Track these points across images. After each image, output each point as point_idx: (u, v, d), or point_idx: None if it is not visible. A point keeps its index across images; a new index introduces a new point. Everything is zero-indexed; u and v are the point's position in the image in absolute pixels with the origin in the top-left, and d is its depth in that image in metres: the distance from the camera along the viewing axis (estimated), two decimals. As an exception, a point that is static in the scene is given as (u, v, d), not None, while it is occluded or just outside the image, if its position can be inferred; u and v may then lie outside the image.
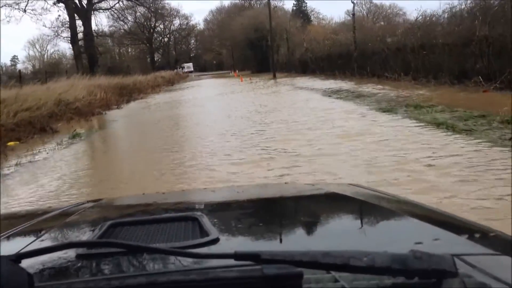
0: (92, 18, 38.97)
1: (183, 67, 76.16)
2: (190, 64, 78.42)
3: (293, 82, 28.95)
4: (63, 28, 36.86)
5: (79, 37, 36.13)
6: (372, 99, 14.03)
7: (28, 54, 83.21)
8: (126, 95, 30.38)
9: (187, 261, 0.74)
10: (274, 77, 35.99)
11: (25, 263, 0.67)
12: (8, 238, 1.11)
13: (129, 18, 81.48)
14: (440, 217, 1.18)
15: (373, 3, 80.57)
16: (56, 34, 37.28)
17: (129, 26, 79.59)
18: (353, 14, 25.56)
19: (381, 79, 21.39)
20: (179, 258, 0.76)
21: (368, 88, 18.39)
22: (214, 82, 42.15)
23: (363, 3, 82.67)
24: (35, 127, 14.41)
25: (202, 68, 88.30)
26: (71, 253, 0.84)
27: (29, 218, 1.34)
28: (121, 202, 1.93)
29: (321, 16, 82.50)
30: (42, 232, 1.13)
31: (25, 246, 0.99)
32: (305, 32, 51.95)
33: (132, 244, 0.72)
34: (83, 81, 26.60)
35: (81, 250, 0.84)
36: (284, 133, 9.11)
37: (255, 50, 55.97)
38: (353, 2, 25.55)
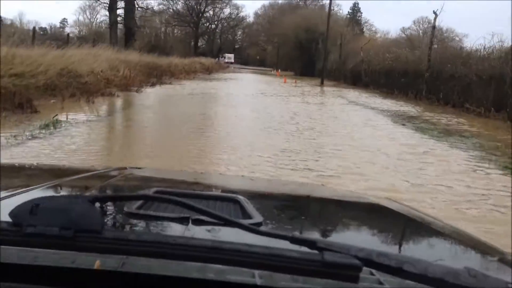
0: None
1: (224, 57, 72.45)
2: (232, 55, 74.73)
3: (344, 94, 24.61)
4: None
5: (118, 6, 32.48)
6: (476, 143, 9.65)
7: (78, 19, 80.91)
8: (155, 76, 26.68)
9: (237, 236, 0.68)
10: (322, 84, 31.66)
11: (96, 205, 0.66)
12: (60, 185, 1.13)
13: (179, -2, 78.87)
14: (486, 248, 1.08)
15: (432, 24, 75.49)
16: (95, -2, 33.70)
17: (177, 8, 76.80)
18: (434, 27, 21.02)
19: (459, 111, 16.93)
20: (226, 232, 0.73)
21: (450, 121, 13.98)
22: (254, 78, 38.04)
23: (421, 22, 77.77)
24: (13, 101, 10.59)
25: (244, 61, 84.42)
26: (120, 210, 0.84)
27: (70, 174, 1.34)
28: (161, 173, 1.86)
29: (374, 29, 77.49)
30: (89, 188, 1.11)
31: (91, 192, 1.03)
32: (363, 41, 47.52)
33: (203, 208, 0.69)
34: (108, 53, 22.89)
35: (131, 209, 0.83)
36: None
37: (303, 51, 51.68)
38: (435, 13, 21.02)
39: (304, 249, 0.62)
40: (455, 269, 0.60)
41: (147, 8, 36.65)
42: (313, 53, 49.93)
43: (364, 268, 0.60)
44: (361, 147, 8.14)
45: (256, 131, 9.52)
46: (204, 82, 27.02)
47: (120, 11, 34.10)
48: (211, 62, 52.10)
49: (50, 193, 1.05)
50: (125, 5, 33.73)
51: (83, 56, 18.97)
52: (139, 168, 1.90)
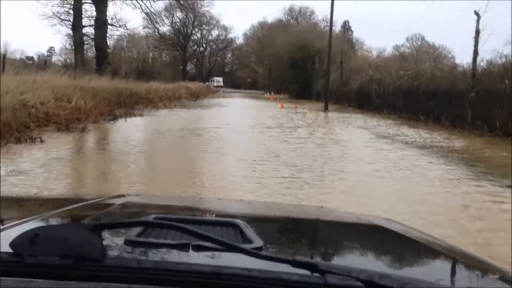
0: (111, 5, 30.13)
1: (213, 80, 67.53)
2: (220, 79, 69.75)
3: (359, 122, 19.36)
4: (65, 8, 28.05)
5: (84, 24, 27.29)
6: None
7: (64, 47, 75.85)
8: (126, 105, 21.39)
9: (238, 261, 0.67)
10: (326, 109, 26.44)
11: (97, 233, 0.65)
12: (59, 215, 1.11)
13: (165, 21, 74.37)
14: (487, 267, 1.07)
15: (425, 41, 71.35)
16: (55, 15, 28.47)
17: (164, 30, 72.17)
18: (478, 32, 15.90)
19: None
20: (227, 257, 0.72)
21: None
22: (246, 104, 32.72)
23: (414, 39, 73.50)
24: None
25: (235, 84, 79.55)
26: (120, 237, 0.81)
27: (66, 204, 1.27)
28: (158, 200, 1.83)
29: (365, 48, 72.92)
30: (86, 217, 1.09)
31: (90, 220, 0.98)
32: (360, 60, 42.54)
33: (204, 233, 0.69)
34: (60, 79, 17.58)
35: (131, 237, 0.81)
36: None
37: (297, 71, 46.63)
38: (477, 14, 15.94)
39: (306, 272, 0.61)
40: None
41: (119, 26, 31.45)
42: (309, 73, 44.89)
43: None
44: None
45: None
46: (186, 112, 21.68)
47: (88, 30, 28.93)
48: (199, 87, 46.90)
49: (49, 222, 1.02)
50: (95, 23, 28.55)
51: (16, 84, 13.67)
52: (137, 195, 2.00)
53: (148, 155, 8.40)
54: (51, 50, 77.60)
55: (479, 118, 15.34)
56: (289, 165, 7.85)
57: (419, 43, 72.42)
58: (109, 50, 30.55)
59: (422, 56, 59.29)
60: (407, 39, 73.68)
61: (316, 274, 0.60)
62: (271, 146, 10.51)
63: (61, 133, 11.08)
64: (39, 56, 67.94)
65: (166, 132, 12.61)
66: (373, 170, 7.77)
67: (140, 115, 18.05)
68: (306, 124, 16.99)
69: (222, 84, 67.24)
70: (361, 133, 14.69)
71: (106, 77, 24.40)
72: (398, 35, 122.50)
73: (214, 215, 1.35)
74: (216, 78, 68.97)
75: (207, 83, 63.07)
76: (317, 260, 0.82)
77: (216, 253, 0.76)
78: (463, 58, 70.57)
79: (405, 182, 6.90)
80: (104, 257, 0.59)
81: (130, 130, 13.25)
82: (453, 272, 1.00)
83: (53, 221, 1.05)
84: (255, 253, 0.67)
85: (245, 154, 9.00)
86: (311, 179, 6.69)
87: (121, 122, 15.30)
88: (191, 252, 0.78)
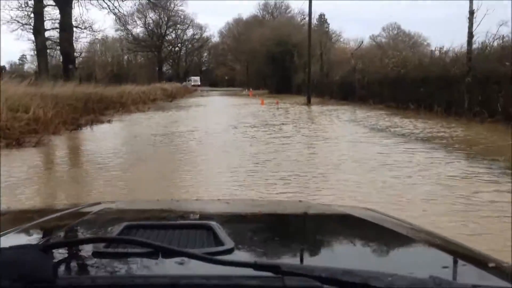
0: (76, 7, 28.14)
1: (190, 80, 65.72)
2: (198, 78, 67.94)
3: (346, 114, 17.94)
4: (26, 11, 25.98)
5: (48, 27, 25.28)
6: None
7: (33, 52, 73.02)
8: (95, 111, 19.62)
9: (205, 267, 0.68)
10: (309, 102, 24.93)
11: (49, 254, 0.65)
12: (26, 230, 1.08)
13: (138, 22, 72.15)
14: (458, 248, 1.09)
15: (401, 30, 70.60)
16: (14, 20, 26.35)
17: (137, 32, 69.99)
18: (472, 13, 14.56)
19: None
20: (196, 264, 0.71)
21: None
22: (225, 102, 31.06)
23: (390, 29, 72.65)
24: None
25: (213, 83, 77.69)
26: (87, 250, 0.80)
27: (43, 215, 1.27)
28: (135, 205, 1.85)
29: (342, 40, 71.64)
30: (60, 228, 1.08)
31: (45, 239, 0.96)
32: (338, 53, 41.26)
33: (158, 244, 0.69)
34: (16, 87, 15.73)
35: (99, 248, 0.80)
36: None
37: (276, 66, 45.13)
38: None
39: (268, 275, 0.60)
40: (420, 279, 0.59)
41: (85, 28, 29.47)
42: (287, 67, 43.45)
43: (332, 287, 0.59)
44: None
45: None
46: (160, 114, 19.97)
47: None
48: (176, 87, 45.08)
49: (7, 242, 0.92)
50: (59, 26, 26.55)
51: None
52: (113, 202, 1.85)
53: (105, 174, 6.76)
54: (22, 58, 74.40)
55: (478, 104, 14.05)
56: (284, 177, 6.30)
57: (395, 32, 71.64)
58: (76, 54, 28.53)
59: (399, 45, 58.35)
60: (383, 29, 72.68)
61: (277, 276, 0.59)
62: (257, 150, 8.96)
63: (9, 150, 9.33)
64: (11, 65, 65.09)
65: (133, 141, 10.96)
66: (394, 177, 6.29)
67: (109, 121, 16.30)
68: (291, 121, 15.47)
69: (199, 83, 65.47)
70: (353, 127, 13.23)
71: (74, 83, 22.48)
72: (374, 25, 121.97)
73: (190, 217, 1.32)
74: (193, 78, 67.14)
75: (184, 83, 61.26)
76: (283, 260, 0.84)
77: (185, 259, 0.74)
78: (437, 44, 70.13)
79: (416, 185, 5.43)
80: (56, 277, 0.57)
81: (93, 140, 11.54)
82: (423, 260, 0.95)
83: (14, 240, 0.99)
84: (217, 260, 0.66)
85: (226, 164, 7.43)
86: (318, 197, 5.14)
87: (85, 131, 13.57)
88: (160, 259, 0.75)
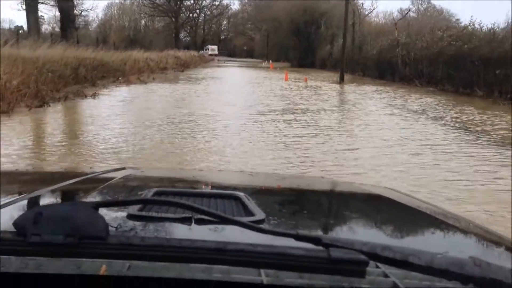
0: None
1: (207, 49, 61.33)
2: (215, 47, 63.38)
3: (397, 100, 13.78)
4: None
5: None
6: None
7: (54, 15, 69.08)
8: (84, 81, 15.91)
9: (242, 235, 0.66)
10: (342, 80, 20.69)
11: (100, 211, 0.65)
12: (59, 190, 1.09)
13: (154, -15, 67.71)
14: (487, 234, 1.04)
15: (431, 4, 64.87)
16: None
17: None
18: None
19: None
20: (231, 231, 0.70)
21: None
22: (244, 75, 26.84)
23: (420, 2, 66.80)
24: None
25: (231, 53, 73.14)
26: (121, 213, 0.79)
27: (66, 178, 1.20)
28: (160, 173, 1.79)
29: (365, 13, 66.01)
30: (90, 191, 1.07)
31: (88, 198, 0.98)
32: (366, 25, 36.36)
33: (205, 209, 0.67)
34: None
35: (133, 211, 0.80)
36: None
37: (299, 37, 40.57)
38: None
39: (309, 245, 0.60)
40: (460, 259, 0.58)
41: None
42: (312, 39, 38.88)
43: (370, 262, 0.58)
44: None
45: None
46: (164, 88, 15.96)
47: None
48: (190, 56, 40.84)
49: (51, 200, 1.01)
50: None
51: None
52: (138, 168, 1.89)
53: None
54: (41, 18, 70.74)
55: None
56: None
57: (424, 5, 65.87)
58: (76, 13, 24.52)
59: (425, 20, 53.12)
60: (412, 3, 66.84)
61: (320, 248, 0.58)
62: (295, 161, 5.06)
63: None
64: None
65: (100, 135, 7.09)
66: None
67: (94, 95, 12.39)
68: (328, 107, 11.40)
69: (217, 53, 61.06)
70: (427, 124, 9.10)
71: (65, 45, 18.57)
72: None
73: (216, 187, 1.29)
74: (210, 47, 62.65)
75: (201, 52, 56.99)
76: (320, 233, 0.82)
77: (219, 227, 0.74)
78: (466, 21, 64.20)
79: None
80: (108, 235, 0.58)
81: (39, 129, 7.69)
82: (454, 241, 0.95)
83: (56, 198, 1.03)
84: (257, 228, 0.64)
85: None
86: None
87: (50, 110, 9.72)
88: (193, 225, 0.76)
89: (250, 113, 9.84)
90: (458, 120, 9.73)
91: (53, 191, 1.06)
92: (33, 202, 0.90)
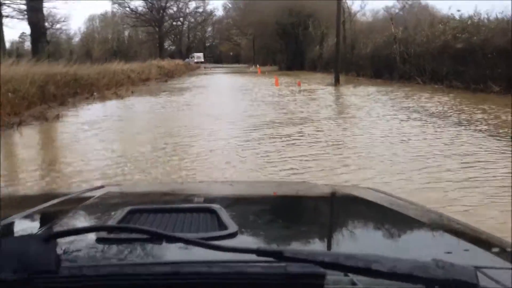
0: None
1: (192, 57, 59.60)
2: (201, 54, 61.65)
3: (406, 102, 12.07)
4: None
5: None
6: None
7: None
8: (54, 99, 14.14)
9: (207, 253, 0.66)
10: (338, 82, 18.94)
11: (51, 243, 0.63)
12: (29, 217, 1.05)
13: (136, -6, 66.07)
14: (463, 229, 1.05)
15: (417, 1, 63.70)
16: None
17: (135, 6, 63.95)
18: None
19: None
20: (199, 249, 0.69)
21: None
22: (231, 82, 24.99)
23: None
24: None
25: (217, 59, 71.43)
26: (91, 237, 0.78)
27: (46, 200, 1.20)
28: (138, 188, 1.78)
29: (355, 10, 64.57)
30: (63, 214, 1.04)
31: (47, 227, 0.94)
32: (356, 25, 34.69)
33: (158, 231, 0.67)
34: None
35: (102, 234, 0.78)
36: None
37: (287, 39, 38.89)
38: None
39: (271, 261, 0.60)
40: (424, 262, 0.58)
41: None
42: (300, 40, 37.20)
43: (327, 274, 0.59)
44: None
45: None
46: (144, 102, 14.09)
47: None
48: (174, 65, 38.95)
49: (7, 230, 0.95)
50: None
51: None
52: (117, 185, 1.79)
53: None
54: (23, 36, 68.19)
55: None
56: None
57: (409, 2, 64.67)
58: (47, 25, 22.67)
59: (408, 17, 51.81)
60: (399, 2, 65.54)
61: (279, 264, 0.58)
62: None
63: None
64: (12, 43, 58.74)
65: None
66: None
67: (57, 117, 10.51)
68: (332, 116, 9.64)
69: (202, 60, 59.29)
70: (453, 129, 7.36)
71: (33, 61, 16.71)
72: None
73: (194, 200, 1.27)
74: (196, 54, 60.88)
75: (186, 60, 55.21)
76: (285, 245, 0.82)
77: (181, 247, 0.73)
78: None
79: None
80: (59, 267, 0.56)
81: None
82: (432, 243, 0.92)
83: (13, 228, 0.97)
84: (218, 246, 0.63)
85: None
86: None
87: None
88: (164, 245, 0.74)
89: (241, 129, 8.07)
90: (491, 123, 8.02)
91: (19, 219, 1.01)
92: None
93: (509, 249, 0.88)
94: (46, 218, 1.10)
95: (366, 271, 0.57)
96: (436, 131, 7.31)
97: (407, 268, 0.57)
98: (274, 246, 0.62)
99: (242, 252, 0.61)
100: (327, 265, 0.57)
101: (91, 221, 1.03)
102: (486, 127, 7.48)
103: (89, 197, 1.25)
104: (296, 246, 0.84)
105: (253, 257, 0.60)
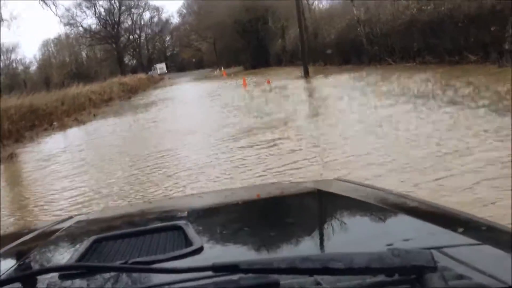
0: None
1: (155, 68, 58.15)
2: (163, 65, 60.35)
3: (390, 86, 11.35)
4: None
5: None
6: None
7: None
8: (11, 135, 12.90)
9: (169, 275, 0.68)
10: (307, 74, 18.13)
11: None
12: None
13: (87, 13, 64.06)
14: (427, 209, 1.06)
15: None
16: None
17: (88, 24, 61.98)
18: None
19: None
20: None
21: None
22: (198, 90, 23.91)
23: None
24: None
25: (180, 67, 69.97)
26: (53, 273, 0.78)
27: (14, 238, 1.20)
28: (107, 215, 1.77)
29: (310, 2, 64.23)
30: (26, 254, 1.04)
31: (9, 269, 0.94)
32: (311, 13, 34.15)
33: (107, 265, 0.69)
34: None
35: (74, 263, 0.80)
36: None
37: (247, 37, 38.03)
38: None
39: (226, 275, 0.60)
40: (379, 253, 0.58)
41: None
42: (261, 36, 36.39)
43: (288, 279, 0.60)
44: None
45: None
46: (107, 125, 12.97)
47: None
48: (137, 79, 37.62)
49: None
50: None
51: None
52: (86, 213, 1.84)
53: None
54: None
55: None
56: None
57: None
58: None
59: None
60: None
61: (233, 277, 0.59)
62: None
63: None
64: None
65: None
66: None
67: (11, 157, 9.36)
68: (313, 115, 8.80)
69: (165, 70, 57.95)
70: (449, 111, 6.60)
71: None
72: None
73: (162, 218, 1.26)
74: (158, 65, 59.47)
75: (149, 73, 53.78)
76: (244, 256, 0.81)
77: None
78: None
79: None
80: None
81: None
82: (392, 230, 0.91)
83: None
84: (176, 269, 0.64)
85: None
86: None
87: None
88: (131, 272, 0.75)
89: (214, 141, 7.15)
90: (483, 96, 7.32)
91: None
92: None
93: (472, 225, 0.87)
94: (9, 260, 1.06)
95: (324, 270, 0.57)
96: (430, 116, 6.54)
97: (364, 261, 0.57)
98: (236, 258, 0.61)
99: (198, 271, 0.61)
100: (284, 270, 0.57)
101: (57, 257, 1.01)
102: (487, 101, 6.75)
103: (58, 230, 1.21)
104: (257, 255, 0.83)
105: (210, 273, 0.59)
